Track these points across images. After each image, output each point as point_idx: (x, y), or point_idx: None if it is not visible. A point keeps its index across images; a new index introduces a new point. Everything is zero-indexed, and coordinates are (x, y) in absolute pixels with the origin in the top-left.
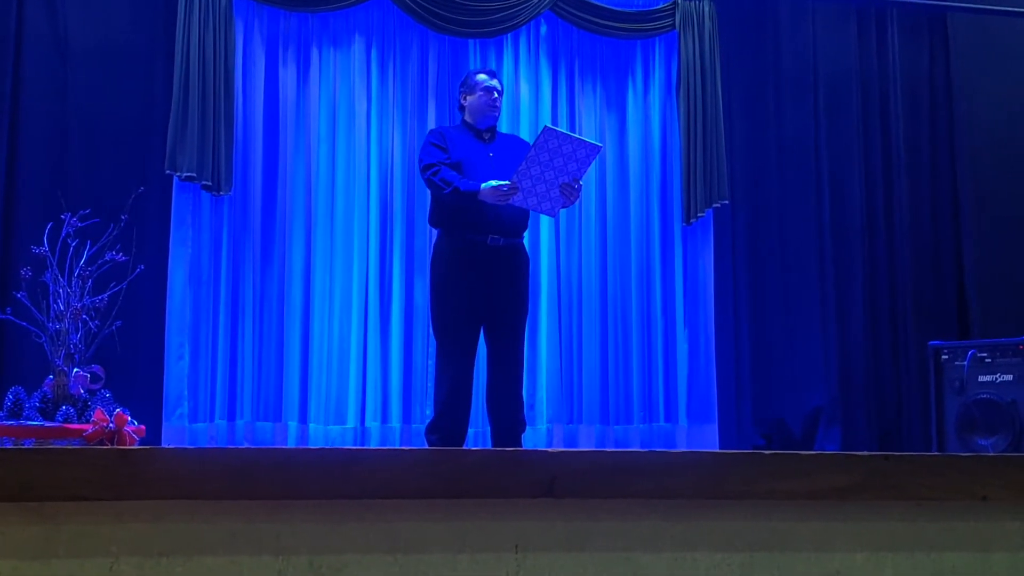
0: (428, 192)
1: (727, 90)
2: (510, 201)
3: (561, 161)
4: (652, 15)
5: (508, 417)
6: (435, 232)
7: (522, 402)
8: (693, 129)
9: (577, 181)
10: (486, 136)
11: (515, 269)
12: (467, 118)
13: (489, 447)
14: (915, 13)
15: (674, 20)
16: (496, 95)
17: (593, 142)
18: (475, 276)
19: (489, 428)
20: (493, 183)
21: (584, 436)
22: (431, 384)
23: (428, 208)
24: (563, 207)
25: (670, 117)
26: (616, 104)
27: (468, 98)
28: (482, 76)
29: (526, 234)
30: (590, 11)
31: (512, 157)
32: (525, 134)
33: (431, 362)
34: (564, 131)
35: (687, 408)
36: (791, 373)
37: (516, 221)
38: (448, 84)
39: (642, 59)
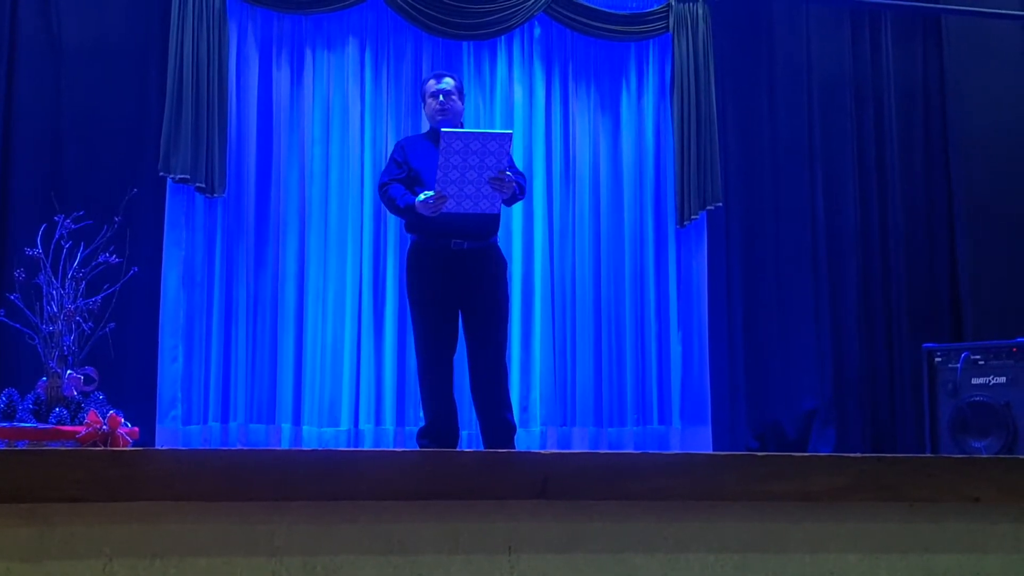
0: None
1: (721, 92)
2: (445, 209)
3: (476, 159)
4: (646, 17)
5: (494, 419)
6: (409, 238)
7: (508, 404)
8: (687, 131)
9: (503, 172)
10: None
11: (484, 271)
12: (431, 124)
13: (479, 448)
14: (909, 15)
15: (668, 22)
16: (442, 98)
17: (499, 131)
18: (443, 280)
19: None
20: (422, 196)
21: (578, 438)
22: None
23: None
24: (504, 201)
25: (664, 119)
26: (610, 106)
27: (424, 108)
28: (430, 82)
29: (517, 235)
30: (584, 13)
31: None
32: (515, 135)
33: None
34: (465, 130)
35: (681, 410)
36: (785, 375)
37: (481, 224)
38: None
39: (636, 61)
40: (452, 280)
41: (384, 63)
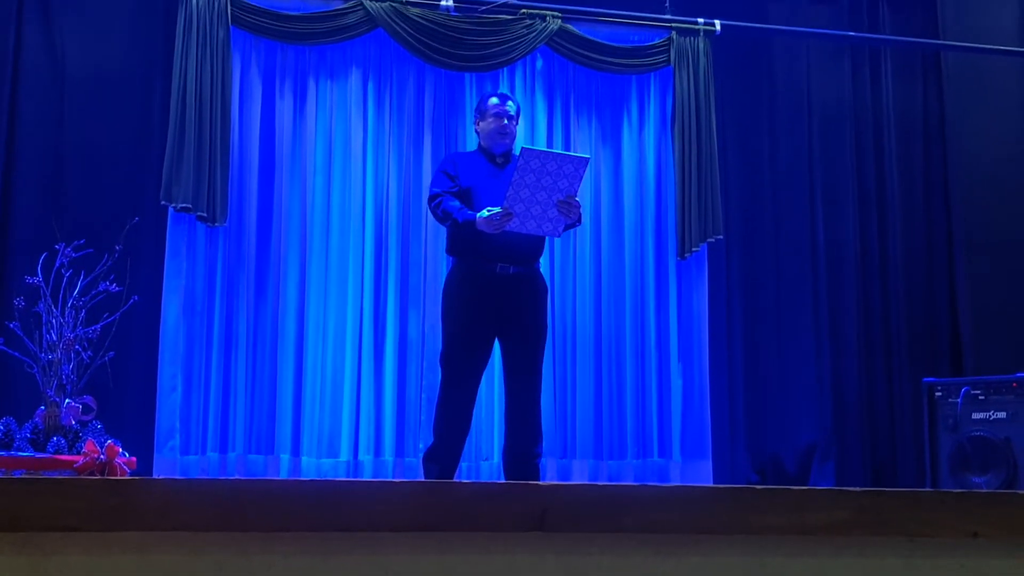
0: (432, 221)
1: (722, 125)
2: (508, 227)
3: (550, 180)
4: (647, 50)
5: (524, 448)
6: (450, 260)
7: (539, 433)
8: (688, 164)
9: (572, 197)
10: (499, 161)
11: (527, 296)
12: (482, 143)
13: (478, 480)
14: (909, 51)
15: (669, 56)
16: (506, 121)
17: (578, 155)
18: (484, 304)
19: (494, 459)
20: (486, 212)
21: (577, 470)
22: (425, 415)
23: (445, 238)
24: (566, 225)
25: (665, 152)
26: (611, 139)
27: (480, 124)
28: (494, 100)
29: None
30: (586, 46)
31: None
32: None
33: (424, 395)
34: (544, 148)
35: (681, 443)
36: (785, 409)
37: (527, 248)
38: (444, 117)
39: (637, 94)
40: (495, 305)
41: (386, 94)
